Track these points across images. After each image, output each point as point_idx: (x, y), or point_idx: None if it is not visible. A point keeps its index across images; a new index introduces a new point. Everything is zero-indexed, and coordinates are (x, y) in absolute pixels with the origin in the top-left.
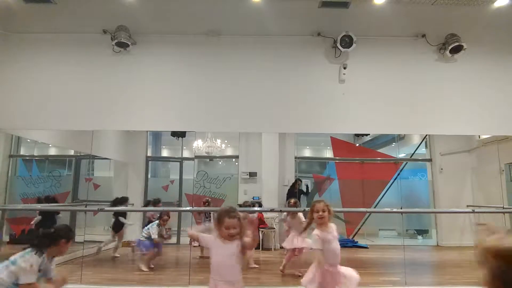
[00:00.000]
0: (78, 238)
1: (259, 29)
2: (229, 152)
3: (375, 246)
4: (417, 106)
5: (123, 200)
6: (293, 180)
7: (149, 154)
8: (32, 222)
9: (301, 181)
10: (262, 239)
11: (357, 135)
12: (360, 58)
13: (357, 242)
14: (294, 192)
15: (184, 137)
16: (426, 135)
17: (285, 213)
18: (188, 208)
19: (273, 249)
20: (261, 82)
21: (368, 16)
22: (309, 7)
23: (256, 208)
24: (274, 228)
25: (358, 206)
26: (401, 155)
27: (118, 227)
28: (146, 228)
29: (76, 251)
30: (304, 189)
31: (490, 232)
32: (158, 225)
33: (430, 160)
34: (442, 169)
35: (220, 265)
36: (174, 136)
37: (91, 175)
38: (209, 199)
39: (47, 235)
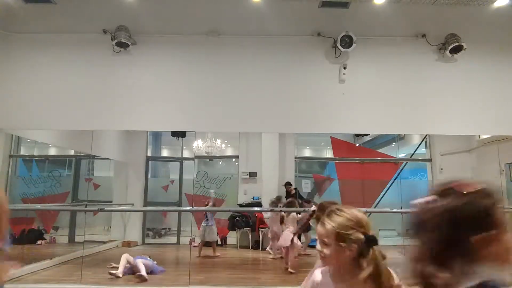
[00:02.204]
0: (78, 238)
1: (259, 29)
2: (229, 152)
3: None
4: (417, 106)
5: (278, 198)
6: (293, 180)
7: (149, 154)
8: None
9: (290, 184)
10: (262, 239)
11: (357, 135)
12: (360, 58)
13: None
14: (291, 196)
15: (184, 137)
16: (426, 135)
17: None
18: (188, 208)
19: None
20: (261, 82)
21: (368, 16)
22: (309, 7)
23: (256, 208)
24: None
25: (358, 206)
26: (401, 155)
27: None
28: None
29: (76, 251)
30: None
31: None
32: None
33: (430, 160)
34: (442, 169)
35: None
36: (174, 136)
37: (91, 175)
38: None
39: None
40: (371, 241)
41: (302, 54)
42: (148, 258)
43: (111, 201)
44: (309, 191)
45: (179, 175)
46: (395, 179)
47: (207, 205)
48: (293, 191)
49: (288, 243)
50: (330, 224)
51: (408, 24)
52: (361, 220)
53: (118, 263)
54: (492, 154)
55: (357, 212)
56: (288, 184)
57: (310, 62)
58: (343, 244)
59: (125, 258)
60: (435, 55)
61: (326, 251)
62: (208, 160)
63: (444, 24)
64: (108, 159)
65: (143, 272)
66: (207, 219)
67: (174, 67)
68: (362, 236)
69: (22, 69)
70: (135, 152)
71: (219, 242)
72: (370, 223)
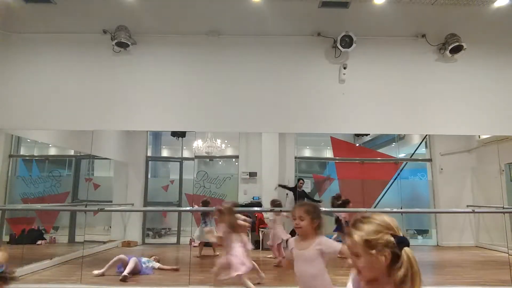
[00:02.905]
0: (78, 238)
1: (259, 29)
2: (229, 152)
3: None
4: (417, 106)
5: (346, 202)
6: (292, 180)
7: (149, 154)
8: None
9: (303, 181)
10: (262, 239)
11: (357, 135)
12: (360, 58)
13: None
14: (296, 192)
15: (184, 137)
16: (426, 135)
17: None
18: (188, 208)
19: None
20: (261, 82)
21: (368, 16)
22: (309, 7)
23: (256, 208)
24: None
25: (358, 206)
26: (401, 155)
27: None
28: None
29: (76, 251)
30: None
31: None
32: None
33: (430, 160)
34: (442, 169)
35: (299, 276)
36: (174, 136)
37: (91, 175)
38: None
39: None
40: (402, 242)
41: (302, 54)
42: (143, 260)
43: (111, 201)
44: (309, 191)
45: (179, 175)
46: (395, 179)
47: (204, 202)
48: (300, 189)
49: (277, 241)
50: (356, 233)
51: (408, 24)
52: (390, 223)
53: None
54: (492, 154)
55: (384, 217)
56: (299, 180)
57: (310, 62)
58: (373, 251)
59: (117, 258)
60: (435, 55)
61: (359, 263)
62: (208, 160)
63: (444, 24)
64: (108, 159)
65: (126, 271)
66: (205, 221)
67: (174, 67)
68: (391, 238)
69: (22, 69)
70: (135, 152)
71: None
72: (399, 227)
